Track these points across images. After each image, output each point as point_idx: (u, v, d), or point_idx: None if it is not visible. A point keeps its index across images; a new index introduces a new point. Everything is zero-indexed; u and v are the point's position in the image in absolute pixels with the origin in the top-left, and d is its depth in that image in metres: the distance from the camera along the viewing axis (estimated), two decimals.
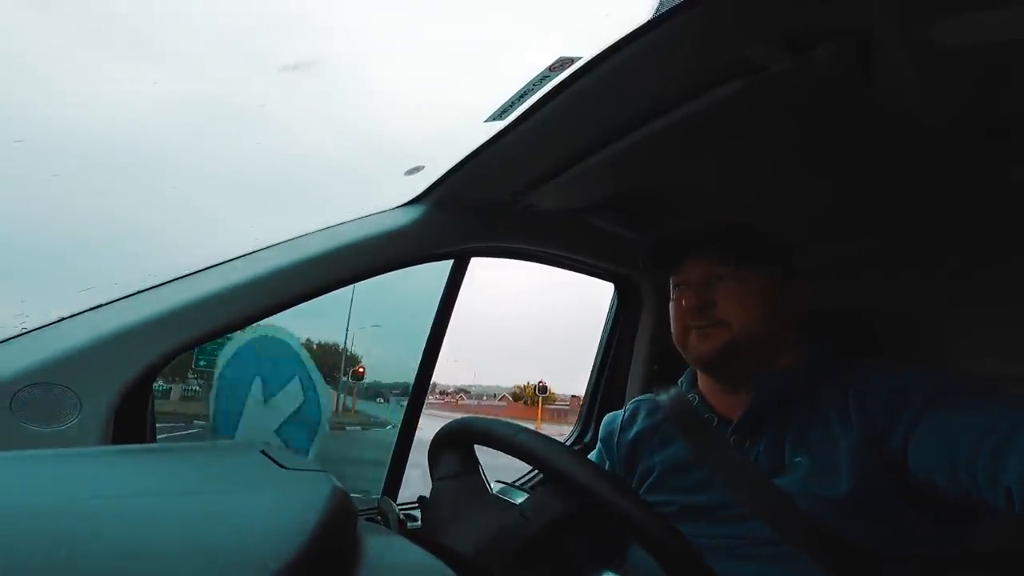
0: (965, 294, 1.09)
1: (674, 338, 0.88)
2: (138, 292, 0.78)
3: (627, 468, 0.93)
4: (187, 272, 0.82)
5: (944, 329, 1.09)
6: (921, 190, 0.93)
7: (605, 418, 1.04)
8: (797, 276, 0.85)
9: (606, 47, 0.60)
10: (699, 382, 0.92)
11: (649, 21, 0.55)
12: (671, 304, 0.88)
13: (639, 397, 1.02)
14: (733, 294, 0.80)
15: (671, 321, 0.88)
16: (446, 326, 1.22)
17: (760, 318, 0.80)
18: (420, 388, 1.24)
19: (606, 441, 0.99)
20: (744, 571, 0.72)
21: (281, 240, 0.89)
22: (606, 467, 0.97)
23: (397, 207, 0.99)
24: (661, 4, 0.53)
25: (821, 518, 0.69)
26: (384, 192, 1.00)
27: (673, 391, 0.95)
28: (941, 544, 0.69)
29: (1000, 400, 0.64)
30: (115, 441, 0.71)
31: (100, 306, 0.76)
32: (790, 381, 0.80)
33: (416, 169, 0.97)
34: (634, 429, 0.95)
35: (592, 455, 1.02)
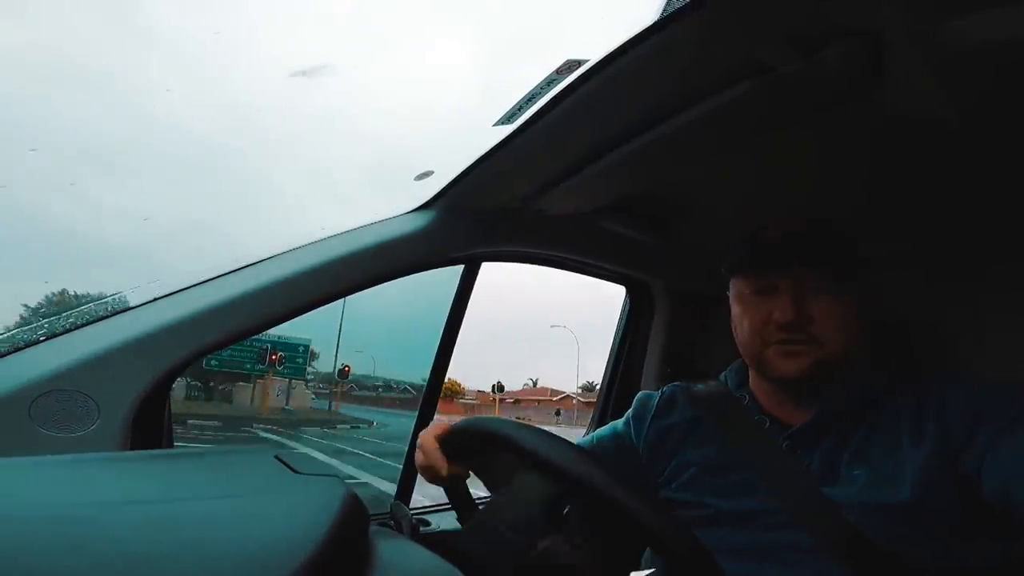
0: (985, 296, 1.07)
1: (745, 350, 0.80)
2: (155, 299, 0.79)
3: (652, 455, 0.88)
4: (202, 279, 0.83)
5: (965, 332, 1.07)
6: (936, 191, 0.92)
7: (640, 395, 0.97)
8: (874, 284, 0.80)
9: (613, 49, 0.60)
10: (751, 382, 0.86)
11: (656, 22, 0.54)
12: (741, 311, 0.80)
13: (674, 384, 0.95)
14: (833, 309, 0.73)
15: (741, 331, 0.80)
16: (458, 331, 1.23)
17: (854, 335, 0.74)
18: (432, 392, 1.25)
19: (639, 417, 0.93)
20: None
21: (295, 246, 0.90)
22: (628, 443, 0.92)
23: (407, 212, 1.00)
24: (668, 5, 0.53)
25: (870, 529, 0.66)
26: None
27: (714, 385, 0.89)
28: (987, 557, 0.66)
29: None
30: (133, 447, 0.72)
31: (117, 312, 0.77)
32: (860, 393, 0.75)
33: (426, 174, 0.98)
34: (671, 418, 0.89)
35: (617, 424, 0.97)
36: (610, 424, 0.99)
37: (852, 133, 0.77)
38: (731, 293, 0.84)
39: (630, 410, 0.96)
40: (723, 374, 0.92)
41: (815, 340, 0.73)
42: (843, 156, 0.83)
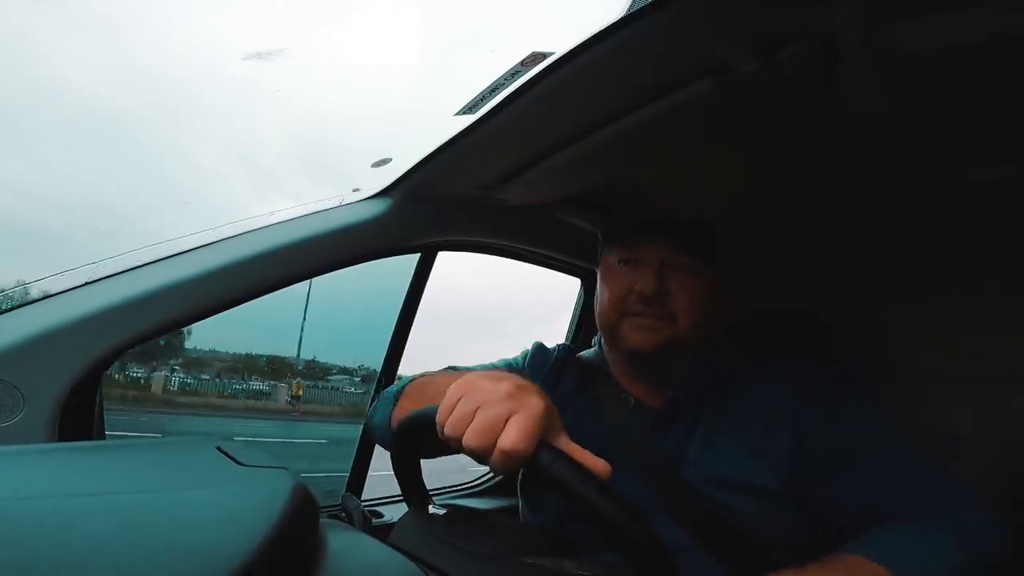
0: (915, 293, 1.14)
1: (602, 320, 0.82)
2: (85, 284, 0.74)
3: None
4: (140, 263, 0.78)
5: (895, 328, 1.14)
6: (877, 191, 0.97)
7: (539, 344, 0.95)
8: (731, 279, 0.85)
9: (577, 44, 0.60)
10: (608, 357, 0.87)
11: (621, 18, 0.55)
12: (606, 280, 0.82)
13: (565, 345, 0.96)
14: (688, 288, 0.76)
15: (601, 301, 0.82)
16: (412, 319, 1.22)
17: (706, 316, 0.77)
18: (385, 382, 1.23)
19: (536, 368, 0.90)
20: None
21: (244, 231, 0.86)
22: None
23: (364, 199, 0.98)
24: (633, 3, 0.53)
25: (727, 510, 0.70)
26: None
27: (593, 355, 0.90)
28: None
29: (916, 458, 0.68)
30: (62, 438, 0.67)
31: (44, 298, 0.72)
32: (712, 373, 0.79)
33: (384, 161, 0.96)
34: (561, 383, 0.87)
35: (513, 360, 0.94)
36: (503, 359, 0.96)
37: (805, 132, 0.80)
38: (599, 268, 0.86)
39: (528, 354, 0.95)
40: (594, 339, 0.93)
41: (670, 316, 0.76)
42: (795, 154, 0.87)
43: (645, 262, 0.78)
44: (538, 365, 0.91)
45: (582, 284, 1.54)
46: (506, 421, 0.48)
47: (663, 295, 0.76)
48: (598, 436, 0.79)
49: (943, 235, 1.08)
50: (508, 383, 0.51)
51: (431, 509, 0.66)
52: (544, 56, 0.63)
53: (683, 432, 0.77)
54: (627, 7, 0.54)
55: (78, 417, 0.70)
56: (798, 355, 0.85)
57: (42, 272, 0.75)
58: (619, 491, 0.74)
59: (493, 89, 0.70)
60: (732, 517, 0.70)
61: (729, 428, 0.75)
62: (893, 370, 1.10)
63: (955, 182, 0.89)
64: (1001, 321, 1.03)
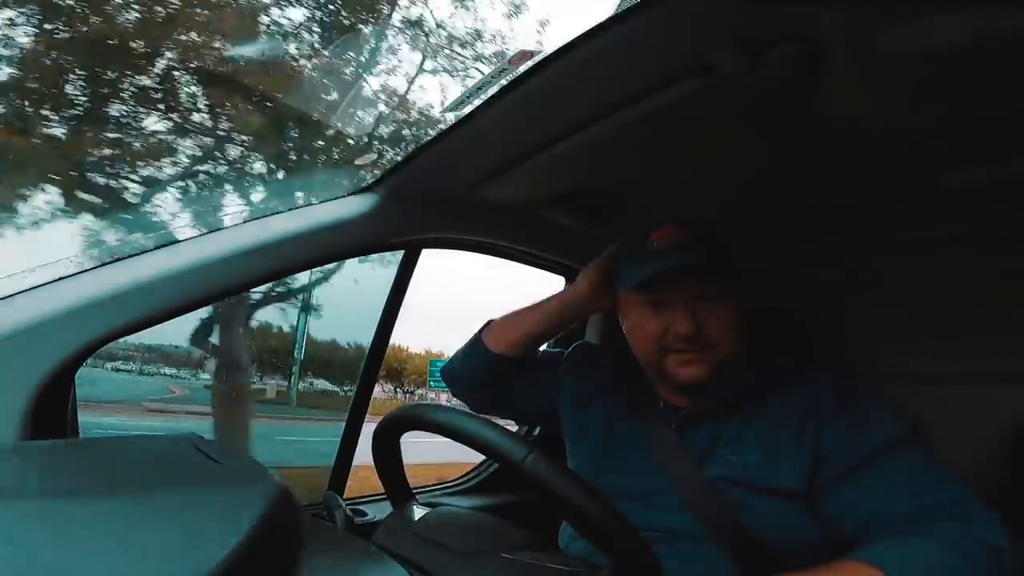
0: (895, 294, 1.16)
1: (642, 356, 0.84)
2: (59, 279, 0.72)
3: (570, 401, 0.94)
4: (117, 257, 0.76)
5: (873, 329, 1.16)
6: (859, 192, 0.98)
7: (579, 348, 1.04)
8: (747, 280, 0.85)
9: (565, 43, 0.60)
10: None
11: (608, 19, 0.55)
12: (637, 323, 0.84)
13: (594, 344, 1.03)
14: (720, 317, 0.78)
15: (640, 342, 0.84)
16: (395, 317, 1.21)
17: (741, 334, 0.80)
18: (368, 379, 1.22)
19: (572, 368, 0.99)
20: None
21: (226, 226, 0.85)
22: (556, 370, 0.99)
23: (349, 195, 0.97)
24: (621, 3, 0.54)
25: (746, 512, 0.72)
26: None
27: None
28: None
29: (932, 469, 0.69)
30: (33, 437, 0.65)
31: (15, 294, 0.70)
32: (745, 383, 0.81)
33: (369, 156, 0.95)
34: (596, 374, 0.95)
35: (551, 352, 1.04)
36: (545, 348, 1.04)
37: (788, 134, 0.80)
38: (620, 305, 0.88)
39: (570, 353, 1.03)
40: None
41: (709, 346, 0.78)
42: (777, 156, 0.88)
43: (672, 303, 0.79)
44: (575, 364, 1.01)
45: (566, 282, 1.55)
46: None
47: (699, 330, 0.77)
48: (626, 432, 0.84)
49: (925, 237, 1.10)
50: None
51: (415, 508, 0.65)
52: (532, 54, 0.63)
53: (709, 434, 0.79)
54: (616, 6, 0.54)
55: (50, 415, 0.68)
56: (776, 356, 0.86)
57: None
58: (640, 485, 0.78)
59: (480, 86, 0.69)
60: (748, 516, 0.72)
61: (754, 434, 0.77)
62: (870, 372, 1.12)
63: (937, 184, 0.91)
64: (983, 321, 1.05)
